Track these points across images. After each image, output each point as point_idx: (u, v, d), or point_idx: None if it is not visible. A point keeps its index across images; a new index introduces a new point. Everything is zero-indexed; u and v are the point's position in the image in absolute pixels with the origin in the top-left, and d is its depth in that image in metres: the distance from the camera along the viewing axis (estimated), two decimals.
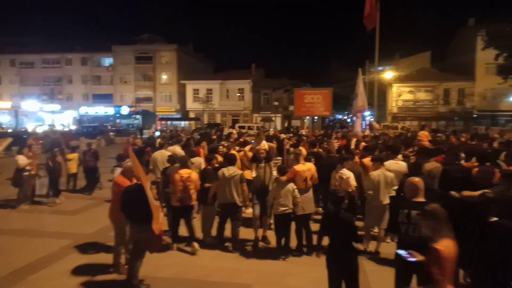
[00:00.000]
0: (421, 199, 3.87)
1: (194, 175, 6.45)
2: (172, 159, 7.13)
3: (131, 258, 5.08)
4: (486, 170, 4.71)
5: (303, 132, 18.89)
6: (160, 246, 5.45)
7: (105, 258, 5.86)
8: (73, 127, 40.54)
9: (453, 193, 4.25)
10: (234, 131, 17.51)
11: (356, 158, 7.66)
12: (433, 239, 3.06)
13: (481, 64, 37.07)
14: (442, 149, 7.92)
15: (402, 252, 3.46)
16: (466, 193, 4.11)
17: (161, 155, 8.49)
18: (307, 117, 37.38)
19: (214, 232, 6.76)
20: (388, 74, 34.04)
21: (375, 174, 6.26)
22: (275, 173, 6.59)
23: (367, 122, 24.09)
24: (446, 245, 2.98)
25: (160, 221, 4.92)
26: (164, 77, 49.35)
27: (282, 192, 6.00)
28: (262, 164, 6.82)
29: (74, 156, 11.20)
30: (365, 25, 16.36)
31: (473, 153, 6.77)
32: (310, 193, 6.36)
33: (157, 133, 22.85)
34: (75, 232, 7.37)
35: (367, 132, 14.64)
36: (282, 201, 5.97)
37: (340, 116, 77.03)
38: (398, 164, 6.81)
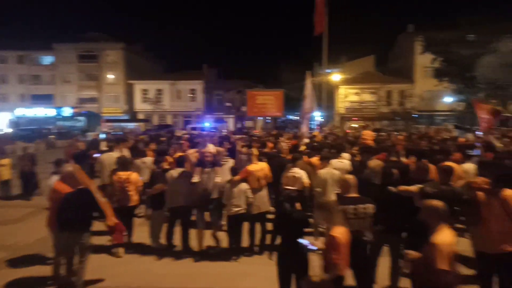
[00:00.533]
0: (354, 194, 4.17)
1: (134, 176, 6.35)
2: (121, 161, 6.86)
3: (72, 267, 4.79)
4: (421, 166, 5.08)
5: (255, 132, 19.03)
6: (121, 237, 5.30)
7: (44, 270, 5.46)
8: (9, 130, 37.43)
9: (390, 188, 4.54)
10: (186, 132, 17.27)
11: (305, 157, 7.86)
12: (328, 228, 3.45)
13: (420, 67, 39.87)
14: (384, 147, 8.39)
15: (303, 241, 3.66)
16: (402, 187, 4.42)
17: (108, 158, 8.16)
18: (260, 118, 37.91)
19: (163, 237, 6.57)
20: (336, 77, 35.39)
21: (323, 172, 6.49)
22: (218, 179, 6.39)
23: (318, 123, 24.92)
24: (341, 232, 3.39)
25: (113, 214, 4.89)
26: (111, 76, 47.02)
27: (235, 192, 5.99)
28: (208, 169, 6.43)
29: (6, 161, 10.38)
30: (315, 28, 16.95)
31: (412, 150, 7.25)
32: (264, 192, 6.39)
33: (102, 136, 21.78)
34: (9, 244, 6.79)
35: (316, 132, 15.07)
36: (235, 201, 5.97)
37: (292, 117, 78.66)
38: (342, 162, 7.09)
